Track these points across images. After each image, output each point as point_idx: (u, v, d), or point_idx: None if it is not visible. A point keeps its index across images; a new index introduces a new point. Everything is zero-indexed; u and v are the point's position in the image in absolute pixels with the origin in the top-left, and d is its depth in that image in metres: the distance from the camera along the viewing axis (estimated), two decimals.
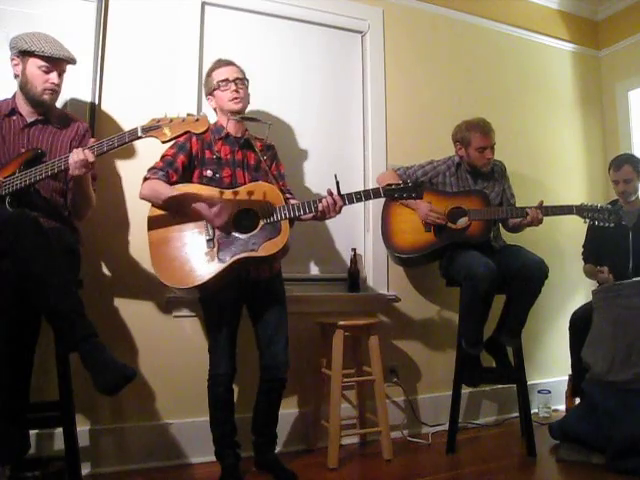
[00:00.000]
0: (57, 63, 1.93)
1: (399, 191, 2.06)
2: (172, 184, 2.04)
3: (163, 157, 2.08)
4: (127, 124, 2.38)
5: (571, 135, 3.65)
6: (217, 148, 2.13)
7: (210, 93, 2.20)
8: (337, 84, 2.96)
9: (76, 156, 1.74)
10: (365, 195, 2.06)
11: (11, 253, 1.58)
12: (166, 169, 2.04)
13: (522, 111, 3.42)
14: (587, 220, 2.51)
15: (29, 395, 1.76)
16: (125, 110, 2.40)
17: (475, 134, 2.58)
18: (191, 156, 2.10)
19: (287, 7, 2.80)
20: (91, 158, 1.75)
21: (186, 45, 2.55)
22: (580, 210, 2.49)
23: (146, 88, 2.46)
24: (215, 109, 2.23)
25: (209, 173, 2.10)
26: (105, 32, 2.40)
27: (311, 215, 2.06)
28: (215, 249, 1.97)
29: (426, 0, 3.18)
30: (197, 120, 1.75)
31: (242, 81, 2.17)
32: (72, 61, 1.98)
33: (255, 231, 1.99)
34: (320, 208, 2.01)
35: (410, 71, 3.11)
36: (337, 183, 2.02)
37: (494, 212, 2.54)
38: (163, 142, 1.77)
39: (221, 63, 2.20)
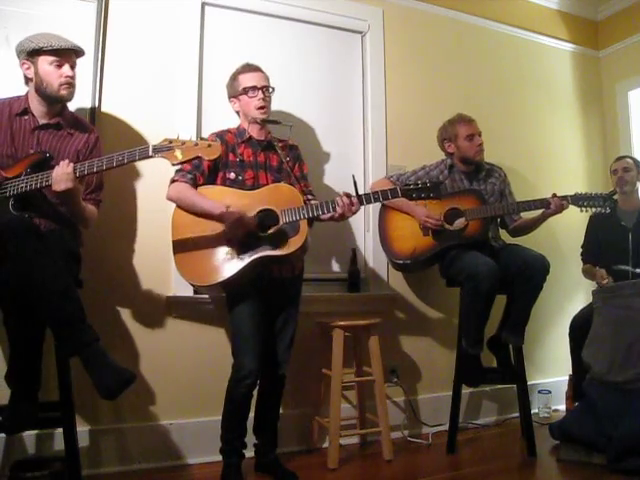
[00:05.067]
0: (67, 56, 1.91)
1: (417, 191, 2.05)
2: (198, 186, 2.09)
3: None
4: (127, 126, 2.39)
5: (571, 135, 3.65)
6: (240, 151, 2.17)
7: (235, 96, 2.21)
8: (337, 84, 2.96)
9: (60, 169, 1.70)
10: (383, 195, 2.07)
11: (10, 260, 1.57)
12: (194, 172, 2.08)
13: (522, 111, 3.42)
14: (583, 209, 2.52)
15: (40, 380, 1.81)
16: (125, 112, 2.40)
17: (459, 124, 2.64)
18: (216, 159, 2.10)
19: (287, 7, 2.80)
20: (69, 169, 1.71)
21: (186, 46, 2.55)
22: (575, 199, 2.49)
23: (146, 89, 2.46)
24: (238, 112, 2.25)
25: (232, 175, 2.13)
26: (105, 33, 2.40)
27: (329, 215, 2.07)
28: (236, 248, 2.00)
29: (426, 0, 3.19)
30: (209, 146, 1.74)
31: (268, 89, 2.20)
32: (81, 51, 1.97)
33: (275, 231, 2.01)
34: (339, 210, 2.02)
35: (410, 71, 3.11)
36: (355, 183, 2.04)
37: (490, 209, 2.53)
38: (173, 164, 1.76)
39: (249, 68, 2.21)
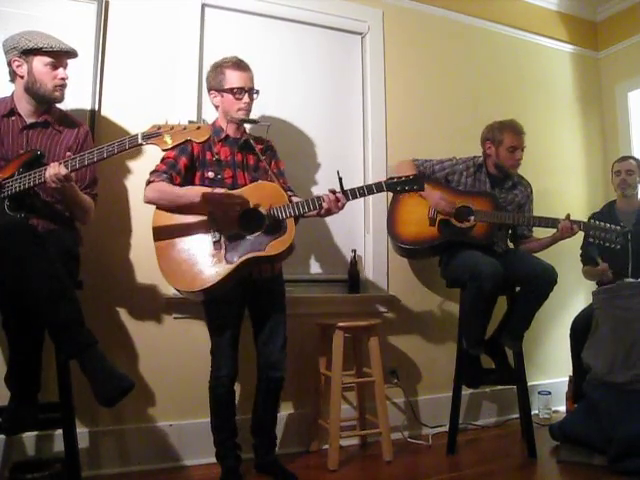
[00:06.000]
0: (62, 57, 1.92)
1: (401, 184, 2.04)
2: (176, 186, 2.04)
3: (164, 159, 2.06)
4: (127, 128, 2.39)
5: (570, 136, 3.65)
6: (216, 150, 2.12)
7: (218, 90, 2.14)
8: (337, 85, 2.96)
9: (52, 170, 1.69)
10: (368, 190, 2.05)
11: (7, 262, 1.56)
12: (169, 172, 2.03)
13: (521, 112, 3.38)
14: (592, 239, 2.47)
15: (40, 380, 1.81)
16: (125, 114, 2.40)
17: (508, 133, 2.57)
18: (192, 158, 2.08)
19: (287, 9, 2.81)
20: (63, 172, 1.69)
21: (186, 47, 2.55)
22: (587, 227, 2.46)
23: (146, 91, 2.46)
24: (217, 106, 2.18)
25: (211, 174, 2.09)
26: (105, 34, 2.41)
27: (315, 212, 2.05)
28: (222, 250, 1.96)
29: (425, 2, 3.19)
30: (198, 128, 1.72)
31: (253, 91, 2.15)
32: (74, 54, 1.97)
33: (261, 230, 1.99)
34: (325, 206, 2.00)
35: (409, 72, 3.11)
36: (340, 179, 2.02)
37: (500, 216, 2.51)
38: (164, 150, 1.75)
39: (239, 66, 2.12)
